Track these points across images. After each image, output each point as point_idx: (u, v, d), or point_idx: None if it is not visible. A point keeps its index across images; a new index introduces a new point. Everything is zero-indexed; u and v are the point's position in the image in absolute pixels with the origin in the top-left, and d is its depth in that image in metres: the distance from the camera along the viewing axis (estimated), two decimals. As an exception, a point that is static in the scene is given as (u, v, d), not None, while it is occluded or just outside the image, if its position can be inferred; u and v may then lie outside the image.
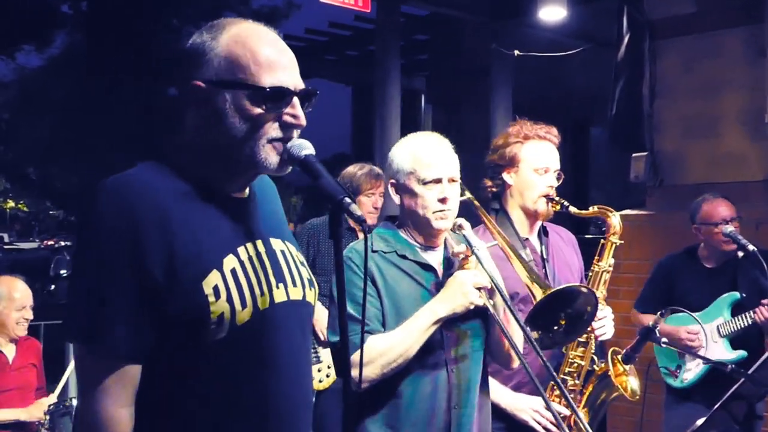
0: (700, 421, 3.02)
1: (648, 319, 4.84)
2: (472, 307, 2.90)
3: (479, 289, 2.89)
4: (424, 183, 2.98)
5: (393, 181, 3.10)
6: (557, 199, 3.57)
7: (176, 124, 2.09)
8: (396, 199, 3.10)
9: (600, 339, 3.53)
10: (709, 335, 4.88)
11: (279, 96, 1.97)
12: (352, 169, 5.56)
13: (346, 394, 2.05)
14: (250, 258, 2.01)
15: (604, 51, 9.49)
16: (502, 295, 2.88)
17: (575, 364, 3.51)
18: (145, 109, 18.90)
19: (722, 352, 4.80)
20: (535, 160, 3.58)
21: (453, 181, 3.02)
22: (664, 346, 3.27)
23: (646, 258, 6.21)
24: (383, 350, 2.84)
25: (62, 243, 38.44)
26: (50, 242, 40.56)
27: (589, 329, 3.48)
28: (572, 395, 3.48)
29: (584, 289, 3.14)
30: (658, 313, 3.41)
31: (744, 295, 4.85)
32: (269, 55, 1.99)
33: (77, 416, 1.95)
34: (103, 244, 1.88)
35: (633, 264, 6.36)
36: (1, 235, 41.11)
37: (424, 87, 17.56)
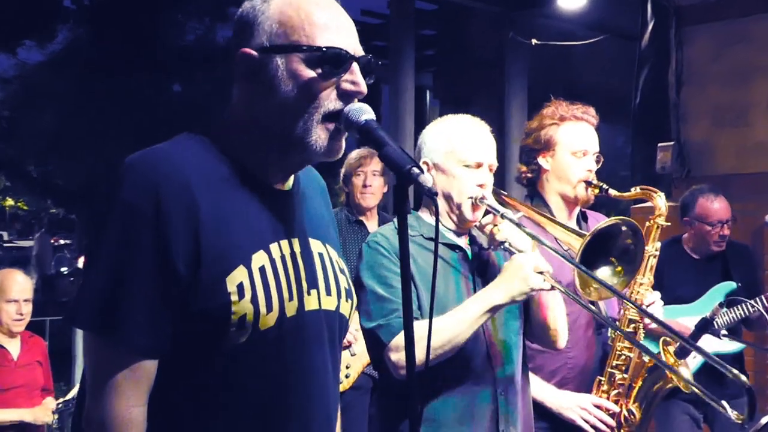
0: (765, 419, 2.82)
1: None
2: (533, 294, 2.71)
3: (541, 272, 2.69)
4: (466, 165, 2.82)
5: (426, 160, 2.91)
6: (596, 182, 3.38)
7: (224, 101, 1.91)
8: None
9: (649, 327, 3.36)
10: None
11: (336, 59, 1.77)
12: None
13: (412, 393, 1.83)
14: (282, 257, 1.81)
15: (613, 44, 9.38)
16: (567, 259, 2.74)
17: (623, 357, 3.32)
18: (148, 105, 18.75)
19: (720, 343, 4.58)
20: (573, 143, 3.39)
21: (492, 168, 2.87)
22: (724, 338, 3.07)
23: (674, 251, 6.01)
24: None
25: (62, 241, 38.38)
26: (50, 241, 40.46)
27: (637, 318, 3.32)
28: (620, 390, 3.30)
29: (619, 221, 2.96)
30: (717, 303, 3.22)
31: (739, 284, 4.76)
32: (325, 16, 1.80)
33: (85, 413, 1.74)
34: (125, 228, 1.70)
35: (660, 256, 6.17)
36: (0, 234, 41.01)
37: (431, 83, 17.45)
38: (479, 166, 2.82)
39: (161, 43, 19.23)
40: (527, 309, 2.92)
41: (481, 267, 2.91)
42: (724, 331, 3.12)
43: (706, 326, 3.14)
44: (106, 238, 1.72)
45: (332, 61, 1.77)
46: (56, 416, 4.73)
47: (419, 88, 18.17)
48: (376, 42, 15.33)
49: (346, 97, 1.79)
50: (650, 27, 6.89)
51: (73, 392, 5.31)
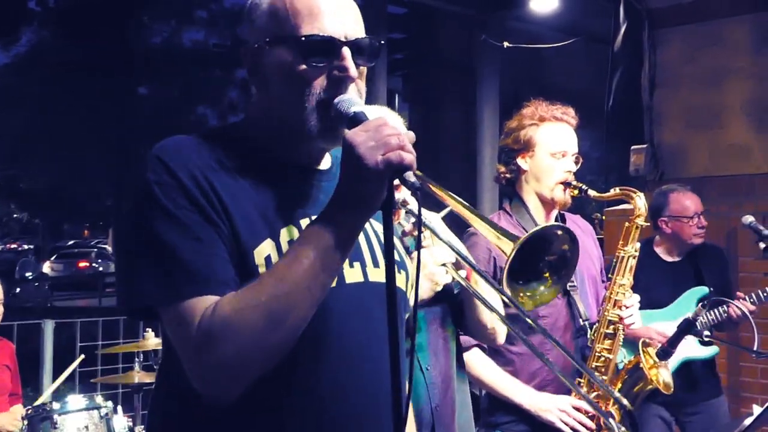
0: (749, 420, 2.79)
1: None
2: (439, 288, 2.61)
3: (443, 265, 2.59)
4: None
5: None
6: (575, 183, 3.35)
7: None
8: None
9: (630, 328, 3.33)
10: None
11: (321, 47, 1.73)
12: None
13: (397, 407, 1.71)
14: None
15: (585, 48, 9.36)
16: (469, 263, 2.53)
17: (602, 358, 3.30)
18: (114, 108, 18.56)
19: (693, 348, 4.58)
20: (552, 144, 3.37)
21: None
22: (707, 339, 3.04)
23: (647, 254, 6.01)
24: None
25: (26, 246, 37.99)
26: (13, 245, 40.05)
27: (616, 320, 3.28)
28: (600, 392, 3.25)
29: (558, 231, 2.82)
30: (699, 304, 3.20)
31: (711, 288, 4.72)
32: (311, 4, 1.75)
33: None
34: (160, 200, 1.67)
35: (632, 259, 6.16)
36: (-37, 239, 40.57)
37: (401, 87, 17.40)
38: None
39: (127, 45, 19.04)
40: (462, 312, 2.82)
41: None
42: (707, 332, 3.08)
43: (688, 327, 3.12)
44: (146, 219, 1.67)
45: (317, 49, 1.73)
46: (26, 422, 4.60)
47: (388, 92, 18.18)
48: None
49: (335, 83, 1.74)
50: (623, 30, 6.88)
51: (44, 398, 5.19)
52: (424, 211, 2.59)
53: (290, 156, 1.83)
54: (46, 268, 27.85)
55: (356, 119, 1.68)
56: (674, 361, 4.63)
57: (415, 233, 2.57)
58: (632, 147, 6.67)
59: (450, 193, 3.02)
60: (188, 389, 1.66)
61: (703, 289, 4.73)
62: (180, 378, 1.68)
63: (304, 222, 1.75)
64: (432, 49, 13.16)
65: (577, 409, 3.22)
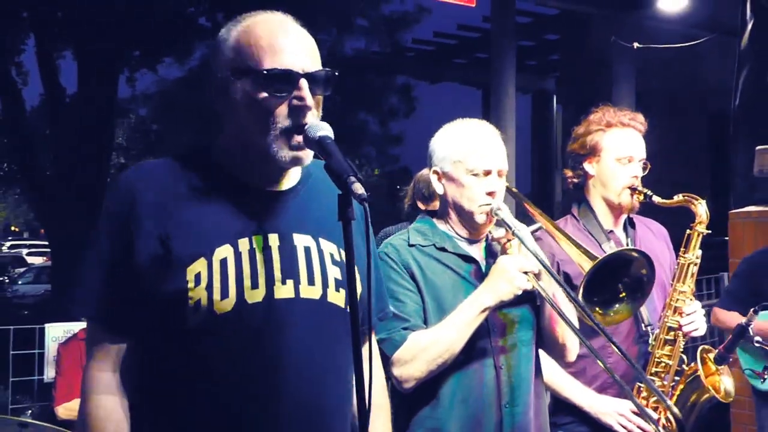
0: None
1: (732, 318, 4.53)
2: (519, 293, 2.70)
3: (526, 273, 2.69)
4: (474, 174, 2.81)
5: (436, 169, 2.91)
6: (640, 188, 3.36)
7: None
8: (439, 188, 2.93)
9: (691, 335, 3.30)
10: None
11: (280, 79, 1.94)
12: (425, 171, 5.43)
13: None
14: (251, 251, 1.96)
15: (722, 44, 9.03)
16: (552, 275, 2.66)
17: (662, 364, 3.29)
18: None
19: None
20: (618, 149, 3.39)
21: (501, 174, 2.85)
22: (757, 345, 2.98)
23: (773, 258, 5.76)
24: (426, 345, 2.69)
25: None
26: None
27: (676, 326, 3.27)
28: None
29: (635, 253, 2.89)
30: (752, 309, 3.15)
31: None
32: (272, 39, 1.97)
33: None
34: (102, 229, 1.99)
35: (758, 265, 5.90)
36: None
37: (554, 88, 17.29)
38: (488, 173, 2.81)
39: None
40: (539, 321, 2.91)
41: None
42: (758, 338, 3.02)
43: (742, 333, 3.08)
44: (91, 240, 2.02)
45: (277, 80, 1.94)
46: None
47: (544, 93, 18.08)
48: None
49: (295, 111, 1.95)
50: (750, 26, 6.66)
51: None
52: (514, 221, 2.75)
53: (252, 177, 2.03)
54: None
55: (321, 142, 1.89)
56: None
57: (503, 241, 2.78)
58: (757, 147, 6.42)
59: (539, 210, 3.17)
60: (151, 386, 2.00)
61: None
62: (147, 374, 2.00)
63: (243, 241, 1.96)
64: (579, 50, 13.05)
65: (638, 414, 3.23)
